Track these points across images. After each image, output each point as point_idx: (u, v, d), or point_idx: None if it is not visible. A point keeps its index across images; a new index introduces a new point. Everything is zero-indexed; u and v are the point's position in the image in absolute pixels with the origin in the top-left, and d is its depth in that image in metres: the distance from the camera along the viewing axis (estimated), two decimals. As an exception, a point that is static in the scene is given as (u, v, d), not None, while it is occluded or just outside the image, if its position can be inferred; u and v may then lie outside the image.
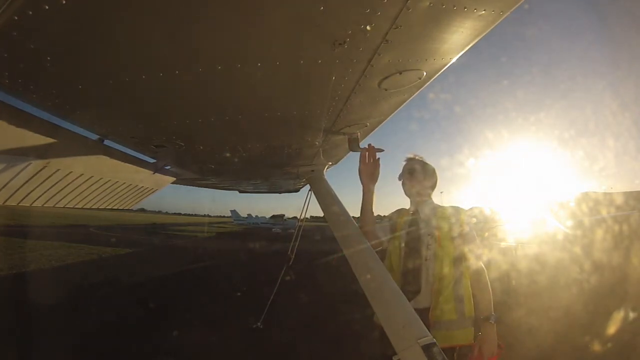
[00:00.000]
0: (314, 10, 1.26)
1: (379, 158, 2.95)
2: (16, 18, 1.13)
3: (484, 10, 1.41)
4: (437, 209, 2.77)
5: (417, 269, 2.64)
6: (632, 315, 6.12)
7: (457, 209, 2.74)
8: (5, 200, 3.32)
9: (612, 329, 5.74)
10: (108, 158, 3.31)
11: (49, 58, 1.43)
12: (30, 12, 1.12)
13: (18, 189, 3.24)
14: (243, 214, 62.12)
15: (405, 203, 2.99)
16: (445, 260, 2.57)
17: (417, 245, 2.69)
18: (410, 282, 2.65)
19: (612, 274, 9.61)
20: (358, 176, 2.94)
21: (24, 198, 3.46)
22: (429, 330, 2.27)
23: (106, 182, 4.31)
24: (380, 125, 3.18)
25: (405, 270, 2.71)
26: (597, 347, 5.19)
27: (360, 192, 2.94)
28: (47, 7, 1.09)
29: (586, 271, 9.58)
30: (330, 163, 4.38)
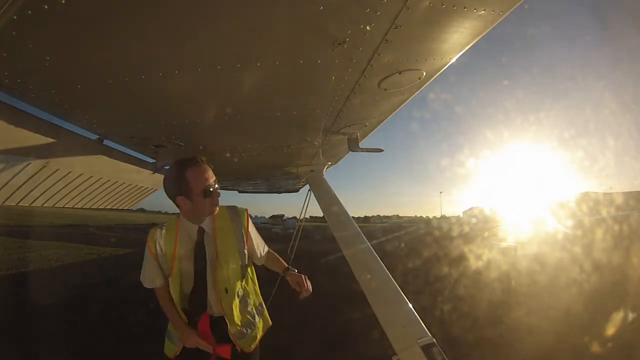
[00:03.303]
0: (313, 10, 1.26)
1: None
2: (16, 18, 1.13)
3: (484, 10, 1.41)
4: None
5: None
6: (631, 315, 6.14)
7: None
8: (5, 200, 3.32)
9: (610, 328, 5.75)
10: (107, 158, 3.31)
11: (48, 58, 1.42)
12: (30, 12, 1.11)
13: (18, 189, 3.24)
14: (242, 214, 62.06)
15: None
16: None
17: None
18: None
19: (611, 273, 9.64)
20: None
21: (23, 198, 3.46)
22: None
23: (106, 182, 4.31)
24: (379, 126, 3.18)
25: None
26: (595, 346, 5.20)
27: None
28: (46, 7, 1.09)
29: (586, 271, 9.61)
30: (329, 163, 4.39)
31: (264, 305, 2.73)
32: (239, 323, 2.38)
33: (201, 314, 2.34)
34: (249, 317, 2.47)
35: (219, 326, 2.33)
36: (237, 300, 2.41)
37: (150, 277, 2.43)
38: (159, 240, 2.41)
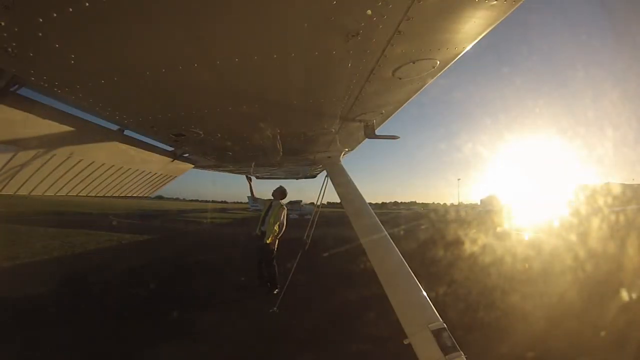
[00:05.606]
0: (326, 3, 1.28)
1: None
2: (41, 20, 1.18)
3: (496, 0, 1.40)
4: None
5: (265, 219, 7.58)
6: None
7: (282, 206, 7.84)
8: (32, 190, 3.44)
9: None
10: (128, 147, 3.39)
11: (73, 56, 1.48)
12: (55, 15, 1.16)
13: (43, 180, 3.35)
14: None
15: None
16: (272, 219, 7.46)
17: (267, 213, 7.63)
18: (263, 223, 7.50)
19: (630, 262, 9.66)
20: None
21: (49, 188, 3.58)
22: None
23: (126, 171, 4.42)
24: (395, 113, 3.17)
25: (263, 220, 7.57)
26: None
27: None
28: (70, 9, 1.14)
29: (602, 262, 9.63)
30: (346, 149, 4.40)
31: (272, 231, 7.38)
32: (268, 232, 7.33)
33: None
34: (272, 230, 7.36)
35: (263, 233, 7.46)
36: (271, 226, 7.35)
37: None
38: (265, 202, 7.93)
